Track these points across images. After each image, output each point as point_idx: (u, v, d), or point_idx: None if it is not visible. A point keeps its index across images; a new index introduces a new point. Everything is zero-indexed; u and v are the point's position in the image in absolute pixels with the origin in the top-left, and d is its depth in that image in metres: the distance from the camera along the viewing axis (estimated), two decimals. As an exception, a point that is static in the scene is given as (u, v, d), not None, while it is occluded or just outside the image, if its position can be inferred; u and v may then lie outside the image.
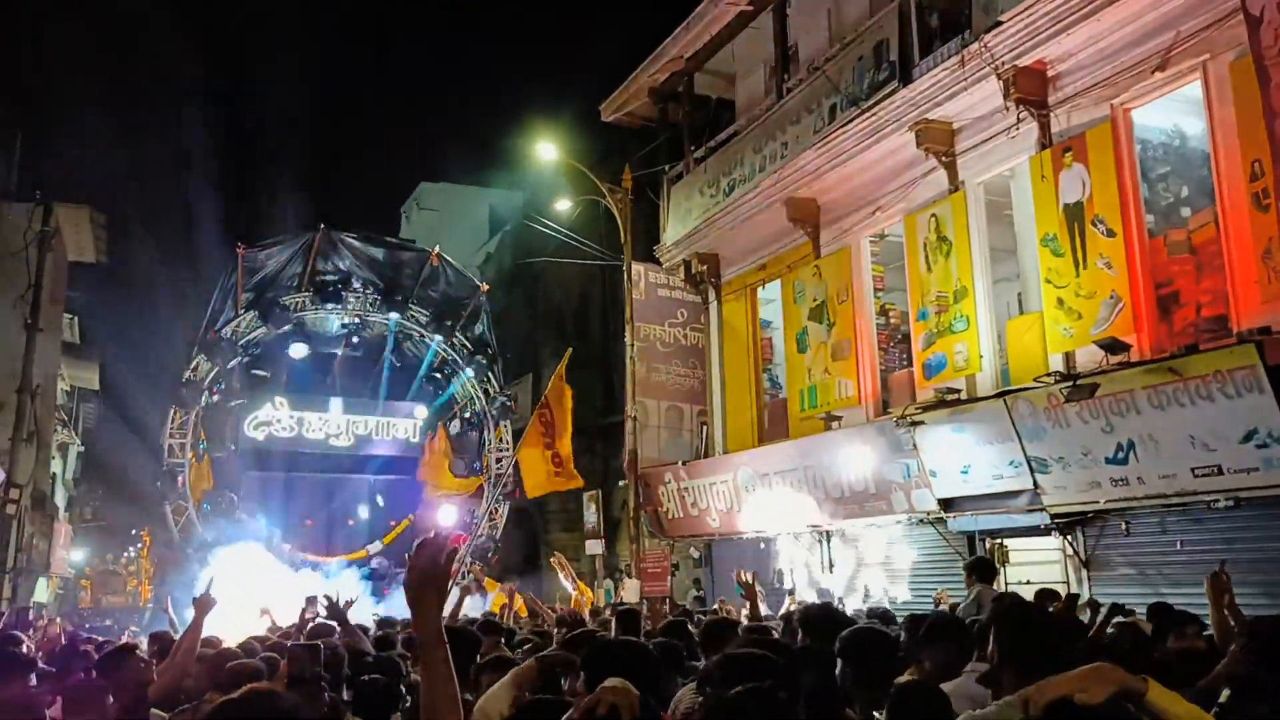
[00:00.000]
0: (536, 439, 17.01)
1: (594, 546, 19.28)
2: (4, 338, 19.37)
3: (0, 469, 15.90)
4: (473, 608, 16.12)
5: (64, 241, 21.81)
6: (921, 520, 12.42)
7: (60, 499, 28.36)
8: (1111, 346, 9.91)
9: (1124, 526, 10.01)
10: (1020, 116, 11.47)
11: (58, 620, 15.30)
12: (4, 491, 15.84)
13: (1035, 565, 11.16)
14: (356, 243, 21.05)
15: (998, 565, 10.71)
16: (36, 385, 18.44)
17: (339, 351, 22.40)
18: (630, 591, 15.96)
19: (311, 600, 6.71)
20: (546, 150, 18.36)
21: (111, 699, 4.71)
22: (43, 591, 19.95)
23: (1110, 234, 10.33)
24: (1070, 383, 9.81)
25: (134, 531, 17.25)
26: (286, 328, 20.66)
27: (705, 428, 17.80)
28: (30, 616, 16.56)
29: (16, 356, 17.79)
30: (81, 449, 34.13)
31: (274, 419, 21.38)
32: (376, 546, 21.22)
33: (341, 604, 6.85)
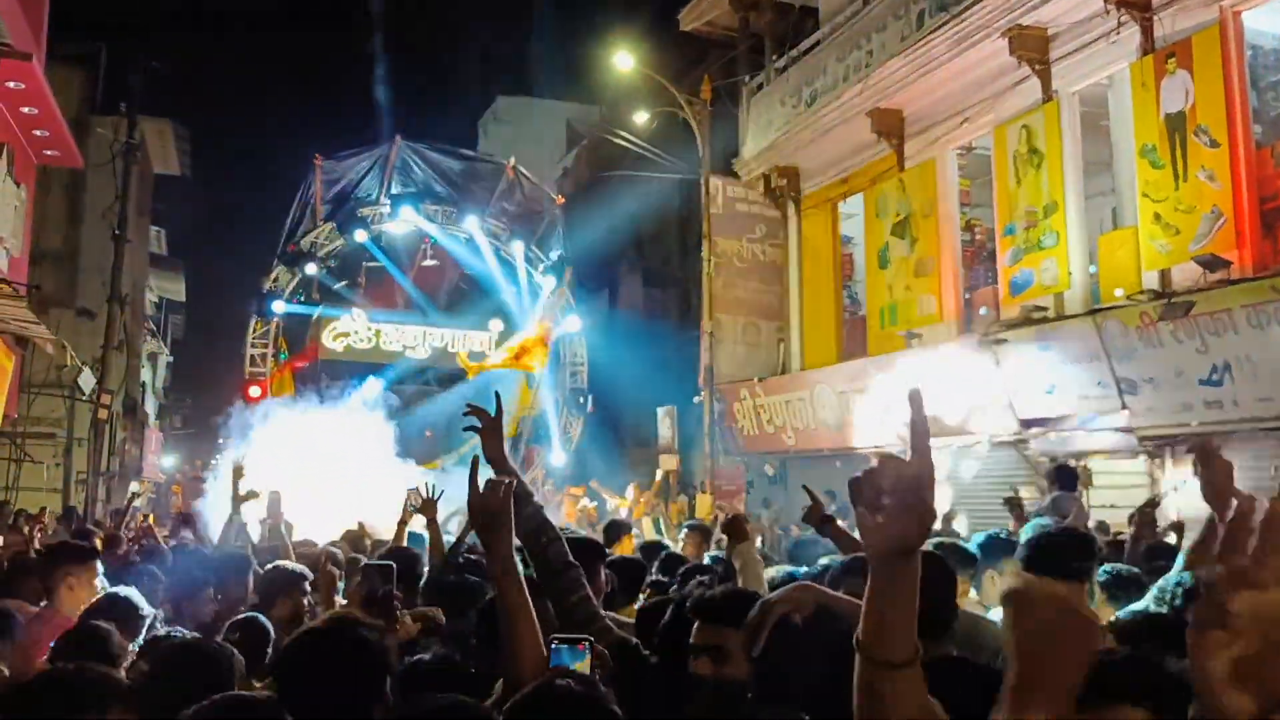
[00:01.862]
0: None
1: (668, 462, 19.31)
2: (94, 248, 19.89)
3: (90, 375, 16.36)
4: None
5: (149, 155, 22.17)
6: (1003, 441, 12.17)
7: (151, 407, 29.27)
8: (1210, 263, 9.49)
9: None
10: (1121, 21, 10.88)
11: (151, 515, 15.82)
12: (96, 398, 16.33)
13: (1121, 489, 10.88)
14: (433, 154, 21.01)
15: (1080, 487, 10.44)
16: (125, 295, 18.88)
17: (415, 263, 22.52)
18: (702, 507, 16.01)
19: (413, 491, 6.70)
20: (624, 61, 18.06)
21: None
22: (135, 495, 20.65)
23: (1214, 145, 9.82)
24: (1164, 301, 9.43)
25: (220, 440, 17.68)
26: (364, 238, 20.81)
27: (782, 344, 17.61)
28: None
29: (105, 267, 18.21)
30: (170, 358, 35.12)
31: (352, 330, 21.69)
32: (451, 459, 21.52)
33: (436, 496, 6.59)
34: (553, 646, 2.33)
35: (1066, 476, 8.34)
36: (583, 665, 2.30)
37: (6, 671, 3.76)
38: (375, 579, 3.98)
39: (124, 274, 18.71)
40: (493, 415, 3.08)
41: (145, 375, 27.69)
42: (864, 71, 14.52)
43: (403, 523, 6.73)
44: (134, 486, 18.60)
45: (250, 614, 4.04)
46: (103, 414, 16.17)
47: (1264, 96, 10.57)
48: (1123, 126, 11.19)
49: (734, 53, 18.83)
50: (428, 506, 6.06)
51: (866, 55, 14.62)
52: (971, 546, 4.63)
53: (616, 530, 7.61)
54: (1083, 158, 12.03)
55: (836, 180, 16.40)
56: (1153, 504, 6.32)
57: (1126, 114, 10.96)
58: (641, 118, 19.60)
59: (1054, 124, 11.84)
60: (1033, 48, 12.13)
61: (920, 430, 1.50)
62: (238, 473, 6.76)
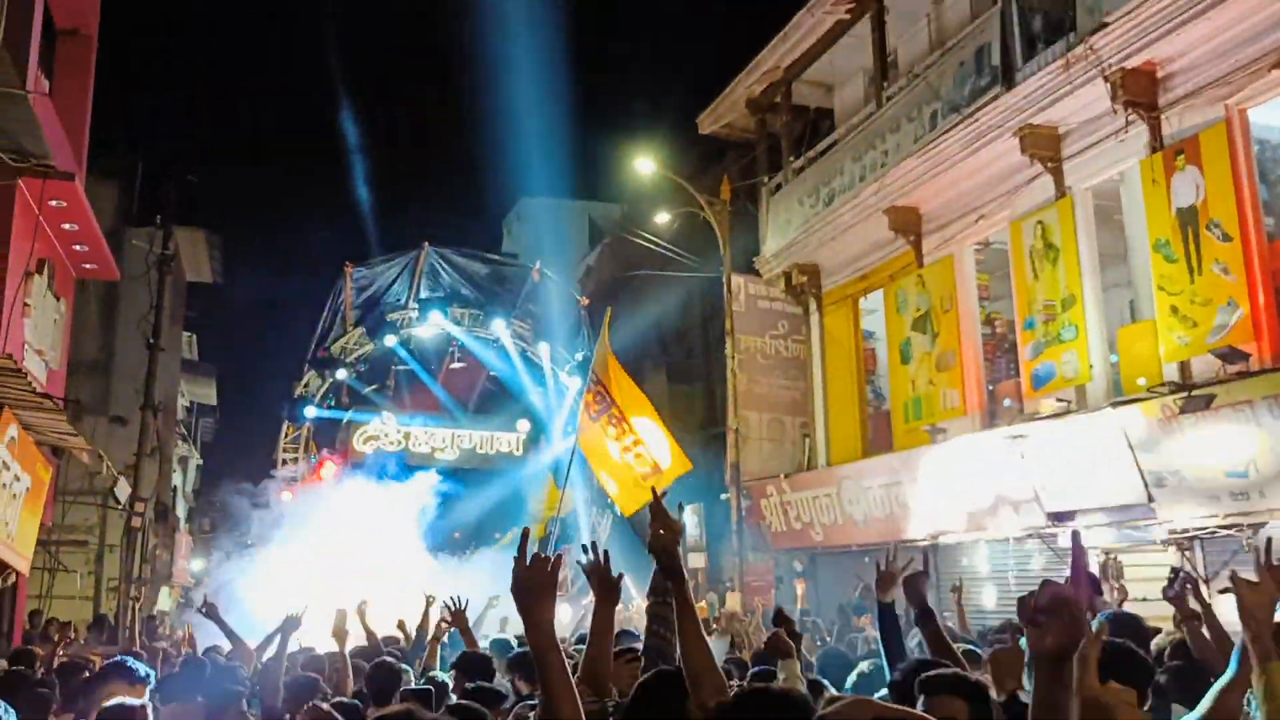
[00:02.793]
0: (600, 443, 14.32)
1: (696, 559, 19.25)
2: (128, 357, 20.28)
3: (126, 484, 16.58)
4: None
5: (182, 263, 22.73)
6: (1030, 535, 12.11)
7: (180, 511, 29.46)
8: (1229, 355, 9.56)
9: (1245, 542, 9.61)
10: (1129, 119, 11.13)
11: (189, 625, 15.91)
12: (130, 505, 16.52)
13: (1152, 582, 10.79)
14: (460, 259, 21.52)
15: (1110, 581, 10.37)
16: (158, 402, 19.19)
17: (444, 366, 22.87)
18: (732, 604, 15.89)
19: (443, 608, 6.70)
20: (644, 164, 18.51)
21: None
22: (165, 600, 20.75)
23: (1226, 238, 9.96)
24: (1185, 393, 9.49)
25: (249, 543, 17.82)
26: (393, 343, 21.18)
27: (808, 439, 17.66)
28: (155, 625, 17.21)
29: (138, 374, 18.56)
30: (200, 462, 35.42)
31: (382, 433, 21.93)
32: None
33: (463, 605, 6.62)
34: None
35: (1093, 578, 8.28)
36: None
37: None
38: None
39: (157, 382, 19.06)
40: (677, 523, 3.25)
41: (176, 479, 27.95)
42: (880, 171, 14.82)
43: (436, 639, 6.79)
44: (164, 599, 18.70)
45: None
46: (136, 522, 16.35)
47: (1274, 190, 10.76)
48: (1136, 221, 11.37)
49: (752, 153, 19.26)
50: (458, 618, 6.14)
51: (882, 155, 14.95)
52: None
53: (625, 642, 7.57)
54: (1099, 250, 12.20)
55: (856, 277, 16.63)
56: (1175, 576, 6.24)
57: (1139, 209, 11.14)
58: (663, 218, 20.00)
59: (1068, 220, 12.03)
60: (1044, 146, 12.39)
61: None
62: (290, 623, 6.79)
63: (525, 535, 2.74)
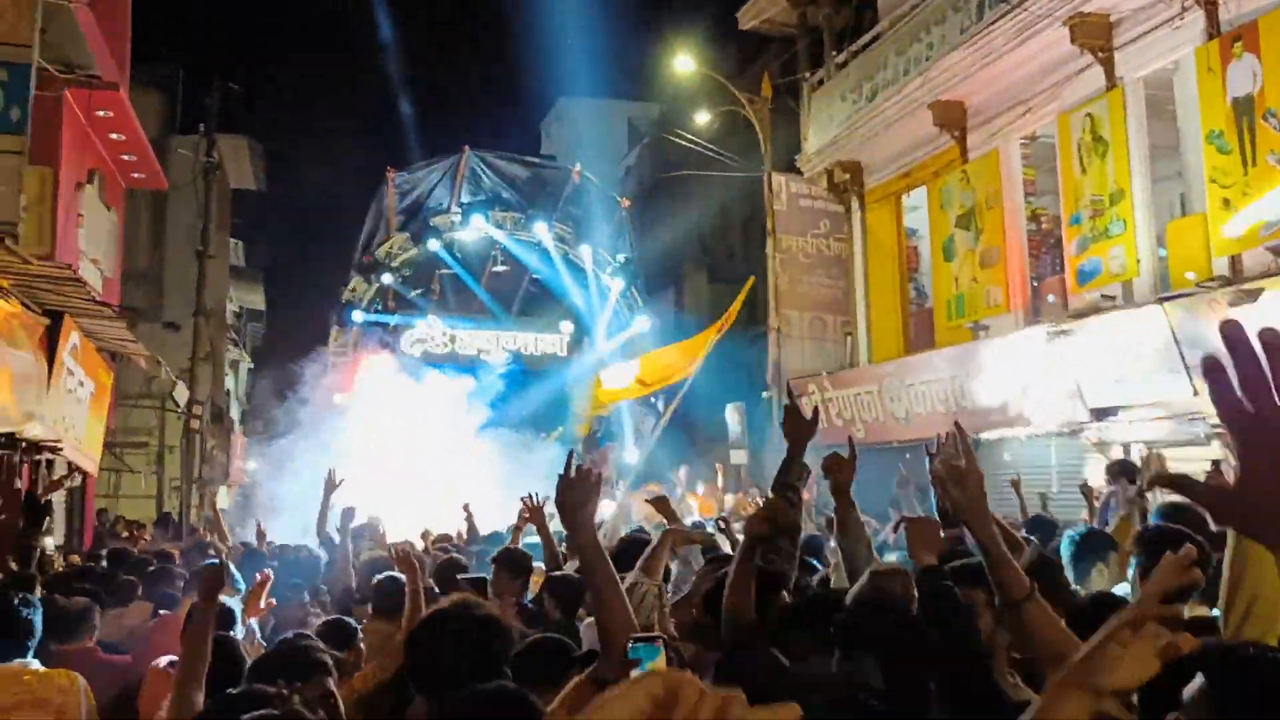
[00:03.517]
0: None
1: (738, 457, 19.48)
2: (177, 263, 20.66)
3: (184, 387, 17.02)
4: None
5: (226, 171, 22.92)
6: (1073, 430, 12.17)
7: (235, 413, 30.15)
8: (1281, 249, 9.44)
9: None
10: (1185, 5, 10.82)
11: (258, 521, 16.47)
12: (188, 408, 16.99)
13: (1194, 476, 10.85)
14: (500, 162, 21.50)
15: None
16: (209, 308, 19.57)
17: (487, 270, 23.01)
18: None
19: (524, 500, 6.81)
20: (683, 62, 18.27)
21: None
22: (223, 499, 21.39)
23: (1283, 128, 9.75)
24: (1233, 288, 9.41)
25: (294, 437, 18.28)
26: (436, 247, 21.32)
27: (850, 338, 17.69)
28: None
29: (190, 282, 18.92)
30: (251, 366, 36.09)
31: (428, 335, 22.23)
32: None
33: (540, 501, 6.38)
34: (630, 645, 2.53)
35: (1129, 469, 8.30)
36: (658, 663, 2.43)
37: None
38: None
39: (207, 289, 19.41)
40: (810, 421, 3.98)
41: (229, 383, 28.56)
42: (925, 64, 14.54)
43: (518, 529, 7.07)
44: (222, 498, 19.33)
45: (339, 617, 4.43)
46: (195, 424, 16.84)
47: (1334, 77, 10.45)
48: (1189, 112, 11.12)
49: (794, 48, 18.92)
50: (535, 514, 6.29)
51: (927, 48, 14.65)
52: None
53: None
54: (1149, 143, 11.95)
55: (899, 174, 16.44)
56: (1215, 471, 6.32)
57: (1192, 99, 10.89)
58: (703, 117, 19.79)
59: (1118, 111, 11.79)
60: (1095, 35, 12.08)
61: (968, 450, 2.59)
62: (330, 482, 7.11)
63: (571, 455, 2.91)
